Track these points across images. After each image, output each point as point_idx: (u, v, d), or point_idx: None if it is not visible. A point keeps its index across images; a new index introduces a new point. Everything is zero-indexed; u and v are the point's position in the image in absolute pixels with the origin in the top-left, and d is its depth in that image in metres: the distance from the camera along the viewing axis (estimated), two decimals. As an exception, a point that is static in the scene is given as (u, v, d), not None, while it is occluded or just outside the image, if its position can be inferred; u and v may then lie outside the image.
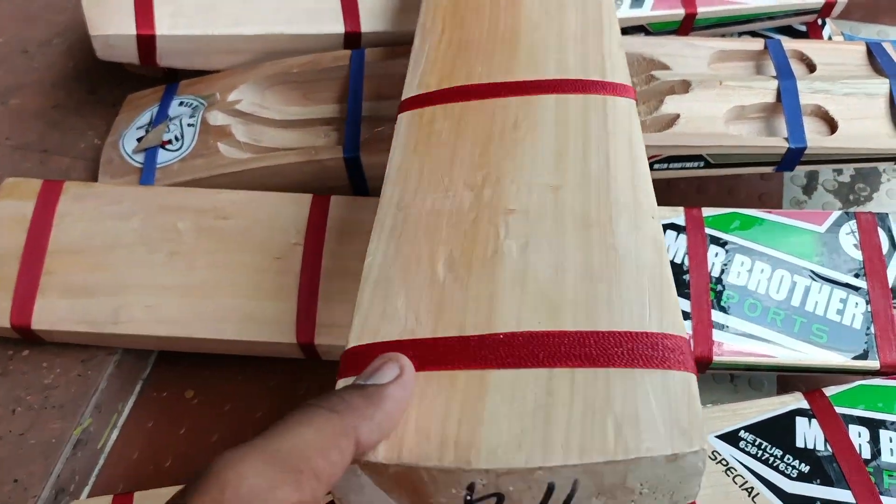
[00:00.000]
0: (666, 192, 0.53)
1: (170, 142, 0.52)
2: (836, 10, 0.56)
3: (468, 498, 0.26)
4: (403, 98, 0.40)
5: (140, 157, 0.52)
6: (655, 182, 0.49)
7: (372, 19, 0.54)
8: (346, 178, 0.50)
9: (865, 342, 0.42)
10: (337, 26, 0.53)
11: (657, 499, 0.26)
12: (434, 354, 0.29)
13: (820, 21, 0.58)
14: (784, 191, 0.55)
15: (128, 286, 0.44)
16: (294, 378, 0.49)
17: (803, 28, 0.58)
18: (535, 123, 0.37)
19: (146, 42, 0.51)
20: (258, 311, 0.44)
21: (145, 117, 0.54)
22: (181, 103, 0.54)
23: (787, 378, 0.47)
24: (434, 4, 0.45)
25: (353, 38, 0.53)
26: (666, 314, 0.29)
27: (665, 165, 0.47)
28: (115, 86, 0.60)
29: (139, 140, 0.53)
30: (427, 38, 0.43)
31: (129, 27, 0.50)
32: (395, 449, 0.26)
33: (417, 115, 0.39)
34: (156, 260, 0.45)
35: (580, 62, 0.39)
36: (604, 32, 0.41)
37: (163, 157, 0.51)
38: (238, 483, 0.22)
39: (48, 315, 0.44)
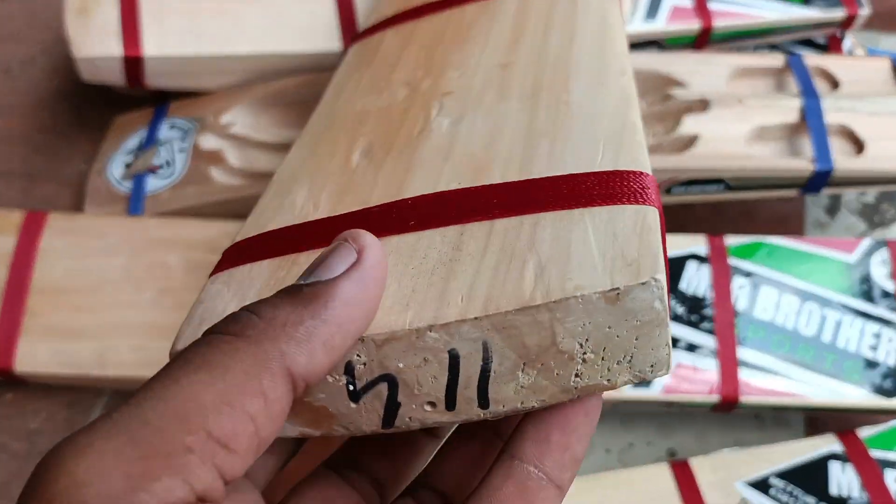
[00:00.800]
0: (683, 214, 0.51)
1: (160, 167, 0.49)
2: (858, 23, 0.53)
3: (351, 387, 0.20)
4: (357, 34, 0.36)
5: (128, 184, 0.49)
6: (673, 206, 0.47)
7: (371, 36, 0.51)
8: (345, 205, 0.47)
9: (902, 380, 0.40)
10: (333, 44, 0.50)
11: (610, 368, 0.19)
12: (324, 234, 0.23)
13: (839, 33, 0.55)
14: (806, 212, 0.52)
15: (115, 327, 0.42)
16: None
17: (821, 40, 0.55)
18: (492, 18, 0.32)
19: (133, 64, 0.48)
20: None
21: (134, 141, 0.51)
22: (172, 126, 0.51)
23: (816, 414, 0.44)
24: None
25: (351, 57, 0.50)
26: (623, 153, 0.23)
27: (684, 189, 0.45)
28: (103, 106, 0.57)
29: (127, 166, 0.50)
30: None
31: (115, 49, 0.47)
32: None
33: (367, 42, 0.35)
34: (144, 298, 0.42)
35: None
36: None
37: (152, 183, 0.49)
38: (73, 493, 0.14)
39: (32, 358, 0.42)
